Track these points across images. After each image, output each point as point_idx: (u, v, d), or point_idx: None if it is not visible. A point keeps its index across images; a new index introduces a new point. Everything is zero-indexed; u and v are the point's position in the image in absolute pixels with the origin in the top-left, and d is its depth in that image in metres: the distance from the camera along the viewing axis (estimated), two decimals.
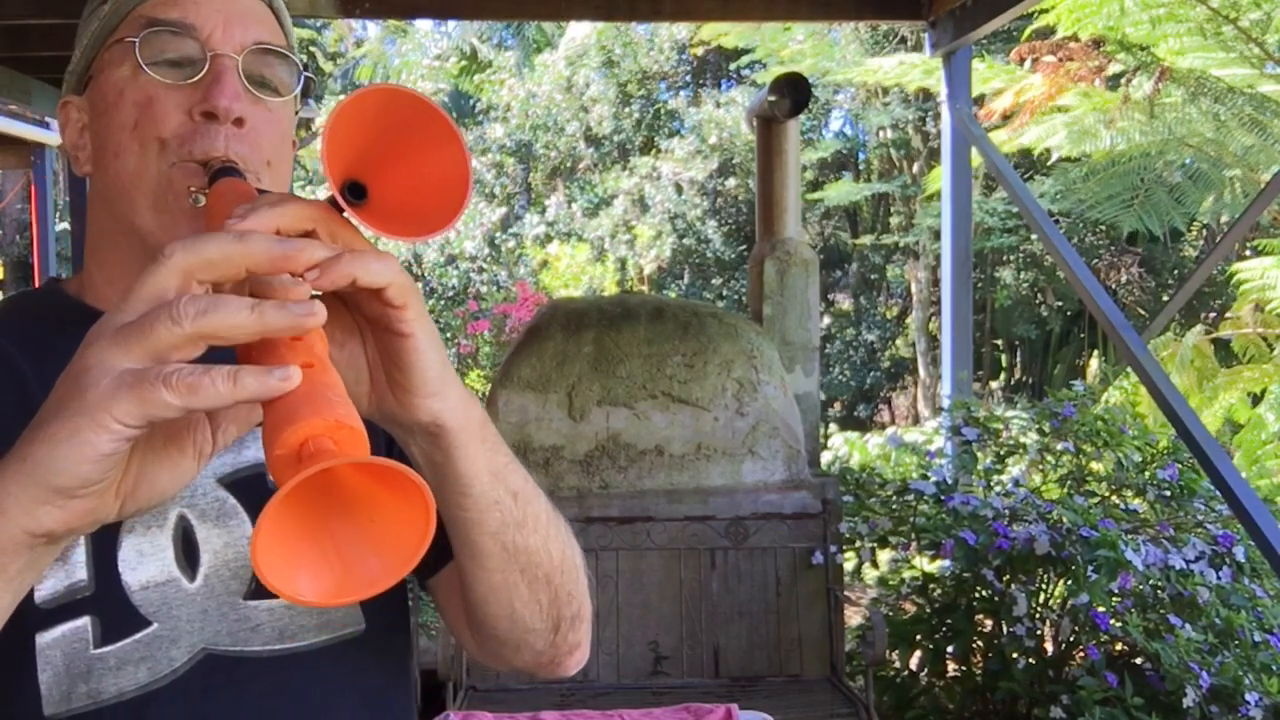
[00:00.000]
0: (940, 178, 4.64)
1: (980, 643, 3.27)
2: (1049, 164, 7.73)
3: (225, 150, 0.76)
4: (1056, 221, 7.67)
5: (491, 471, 0.70)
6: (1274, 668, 2.79)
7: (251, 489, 0.79)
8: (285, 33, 0.84)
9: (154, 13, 0.78)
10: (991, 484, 3.61)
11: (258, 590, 0.77)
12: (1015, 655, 3.00)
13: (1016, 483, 3.58)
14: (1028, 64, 7.27)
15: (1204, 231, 7.51)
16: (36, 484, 0.52)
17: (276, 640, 0.77)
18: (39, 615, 0.71)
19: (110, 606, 0.73)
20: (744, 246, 11.05)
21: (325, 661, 0.79)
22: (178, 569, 0.76)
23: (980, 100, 6.95)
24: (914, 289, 11.09)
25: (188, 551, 0.77)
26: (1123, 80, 6.82)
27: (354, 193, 0.61)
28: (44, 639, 0.71)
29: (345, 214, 0.59)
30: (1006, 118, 7.15)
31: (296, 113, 0.87)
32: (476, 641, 0.84)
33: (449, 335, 11.69)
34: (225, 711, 0.75)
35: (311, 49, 16.37)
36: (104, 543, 0.74)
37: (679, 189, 11.73)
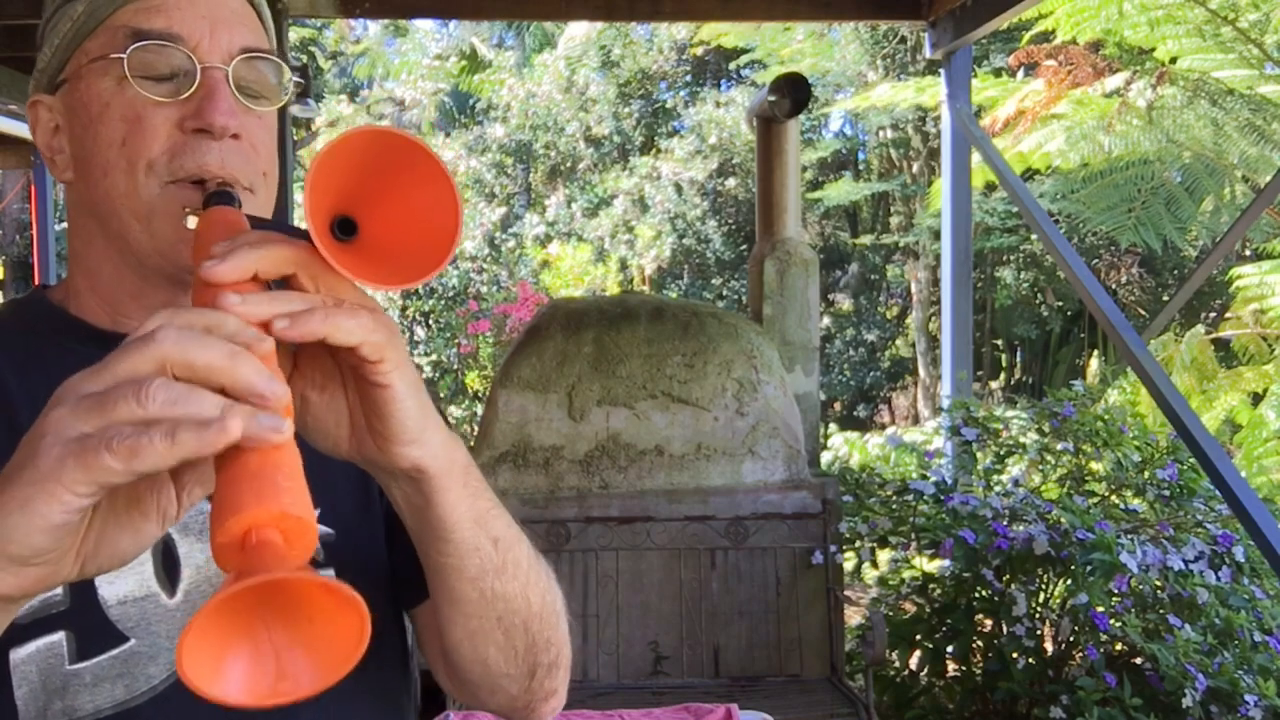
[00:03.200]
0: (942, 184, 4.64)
1: (980, 643, 3.27)
2: (1048, 169, 7.75)
3: (221, 165, 0.74)
4: (1056, 221, 7.66)
5: (473, 518, 0.70)
6: (1272, 669, 2.79)
7: None
8: (267, 30, 0.82)
9: (137, 22, 0.75)
10: (991, 484, 3.61)
11: None
12: (1015, 655, 3.00)
13: (1016, 483, 3.58)
14: (1021, 74, 7.29)
15: (1204, 232, 7.50)
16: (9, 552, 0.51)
17: None
18: (13, 630, 0.67)
19: (86, 622, 0.72)
20: (744, 246, 11.05)
21: None
22: (157, 584, 0.74)
23: (979, 112, 6.97)
24: (914, 289, 11.09)
25: (168, 566, 0.75)
26: (1122, 84, 6.83)
27: (345, 228, 0.60)
28: (18, 654, 0.70)
29: (328, 257, 0.57)
30: (1007, 124, 7.17)
31: (284, 108, 0.86)
32: (452, 682, 0.82)
33: (449, 335, 11.69)
34: None
35: (312, 49, 16.37)
36: None
37: (679, 189, 11.72)
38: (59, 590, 0.71)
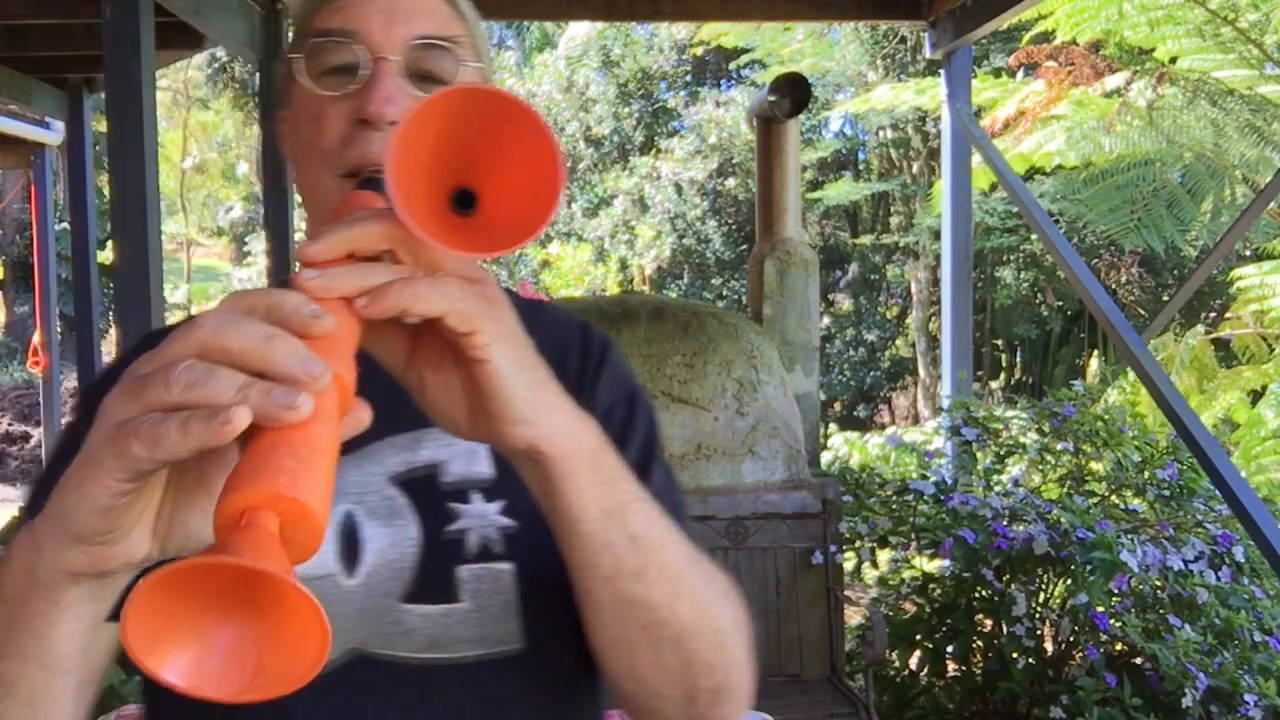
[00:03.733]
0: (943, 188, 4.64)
1: (980, 643, 3.27)
2: (1050, 170, 7.76)
3: (382, 154, 0.75)
4: (1056, 222, 7.67)
5: (603, 509, 0.64)
6: (1272, 669, 2.79)
7: (422, 489, 0.78)
8: (462, 16, 0.82)
9: (320, 23, 0.78)
10: (991, 484, 3.61)
11: (415, 594, 0.75)
12: (1015, 655, 3.00)
13: (1016, 483, 3.58)
14: (1021, 74, 7.30)
15: (1204, 233, 7.51)
16: (58, 529, 0.52)
17: (428, 649, 0.75)
18: None
19: None
20: (744, 246, 11.05)
21: (478, 677, 0.76)
22: (336, 565, 0.75)
23: (978, 113, 6.98)
24: (914, 289, 11.09)
25: (350, 548, 0.76)
26: (1122, 85, 6.83)
27: (464, 201, 0.58)
28: None
29: (412, 227, 0.54)
30: (1007, 125, 7.18)
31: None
32: (614, 697, 0.77)
33: None
34: (371, 712, 0.74)
35: None
36: None
37: (679, 189, 11.73)
38: None
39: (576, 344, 0.86)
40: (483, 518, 0.77)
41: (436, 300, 0.55)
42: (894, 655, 3.47)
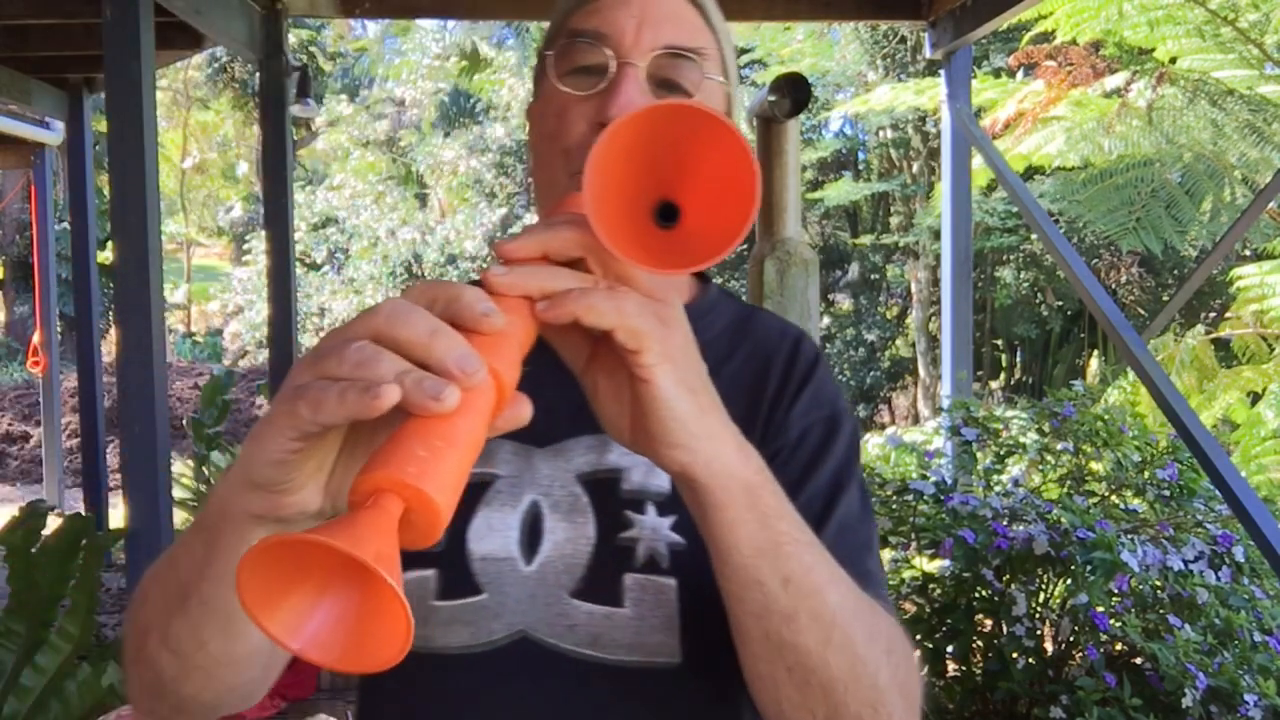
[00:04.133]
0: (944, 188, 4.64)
1: (980, 643, 3.27)
2: (1049, 170, 7.76)
3: None
4: (1056, 222, 7.67)
5: (756, 547, 0.64)
6: (1272, 669, 2.79)
7: (604, 490, 0.80)
8: (712, 28, 0.83)
9: (576, 24, 0.81)
10: (991, 484, 3.61)
11: (584, 591, 0.78)
12: (1015, 655, 3.00)
13: (1016, 483, 3.58)
14: (1021, 74, 7.30)
15: (1203, 234, 7.51)
16: (242, 473, 0.57)
17: (588, 645, 0.77)
18: (405, 557, 0.72)
19: (452, 567, 0.79)
20: (744, 246, 11.05)
21: (631, 682, 0.77)
22: (518, 550, 0.79)
23: (978, 114, 6.99)
24: (914, 289, 11.09)
25: (532, 536, 0.79)
26: (1122, 85, 6.83)
27: (668, 214, 0.59)
28: (405, 578, 0.73)
29: (602, 239, 0.56)
30: (1007, 126, 7.18)
31: (738, 116, 0.87)
32: None
33: None
34: (529, 693, 0.77)
35: (312, 49, 16.37)
36: (462, 508, 0.76)
37: None
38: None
39: (783, 358, 0.87)
40: (654, 530, 0.79)
41: (608, 314, 0.57)
42: None
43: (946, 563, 3.27)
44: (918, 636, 3.34)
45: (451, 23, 17.43)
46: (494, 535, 0.79)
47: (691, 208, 0.58)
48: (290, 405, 0.52)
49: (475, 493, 0.80)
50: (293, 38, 8.08)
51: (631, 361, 0.58)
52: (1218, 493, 3.17)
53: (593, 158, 0.56)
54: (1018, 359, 12.84)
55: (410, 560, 0.70)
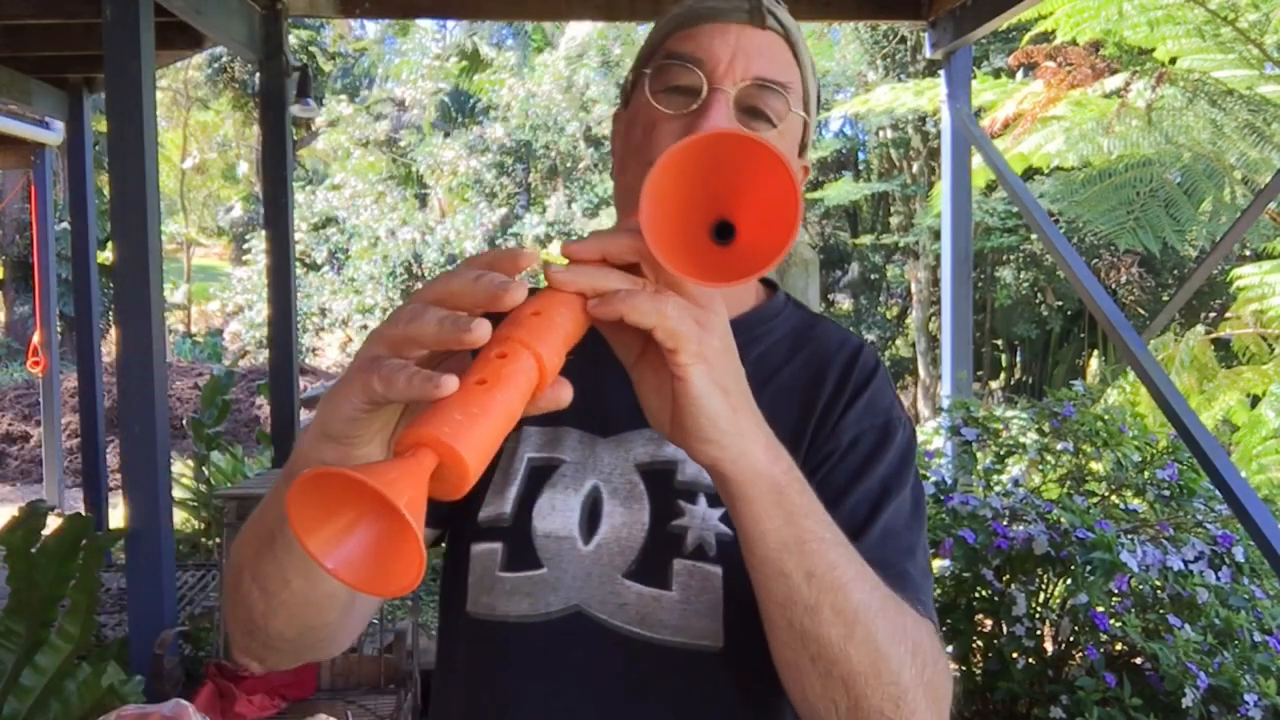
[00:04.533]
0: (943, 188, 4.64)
1: (980, 643, 3.27)
2: (1049, 170, 7.76)
3: None
4: (1056, 222, 7.67)
5: (782, 540, 0.69)
6: (1272, 669, 2.79)
7: (660, 480, 0.86)
8: (800, 64, 0.89)
9: (673, 46, 0.86)
10: (991, 484, 3.61)
11: (635, 572, 0.84)
12: (1015, 655, 3.00)
13: (1016, 483, 3.58)
14: (1020, 74, 7.29)
15: (1203, 234, 7.51)
16: (319, 426, 0.64)
17: (637, 624, 0.83)
18: (476, 530, 0.87)
19: (517, 540, 0.86)
20: None
21: (675, 662, 0.83)
22: (578, 530, 0.86)
23: (977, 114, 6.99)
24: (914, 289, 11.09)
25: (591, 518, 0.86)
26: (1121, 85, 6.83)
27: (723, 232, 0.65)
28: (475, 549, 0.87)
29: (654, 249, 0.62)
30: (1006, 126, 7.18)
31: (804, 149, 0.92)
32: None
33: None
34: (578, 663, 0.83)
35: (312, 49, 16.37)
36: (530, 488, 0.87)
37: None
38: (508, 510, 0.87)
39: (840, 366, 0.91)
40: (704, 520, 0.85)
41: (650, 314, 0.63)
42: None
43: (946, 563, 3.26)
44: None
45: (451, 23, 17.43)
46: (556, 515, 0.86)
47: (745, 227, 0.64)
48: (365, 376, 0.59)
49: (542, 475, 0.88)
50: (293, 38, 8.09)
51: (669, 360, 0.64)
52: (1218, 493, 3.17)
53: (648, 182, 0.62)
54: (1018, 359, 12.84)
55: (481, 534, 0.87)
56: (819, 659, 0.71)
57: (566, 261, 0.65)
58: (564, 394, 0.62)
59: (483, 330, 0.57)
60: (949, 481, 3.53)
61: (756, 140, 0.62)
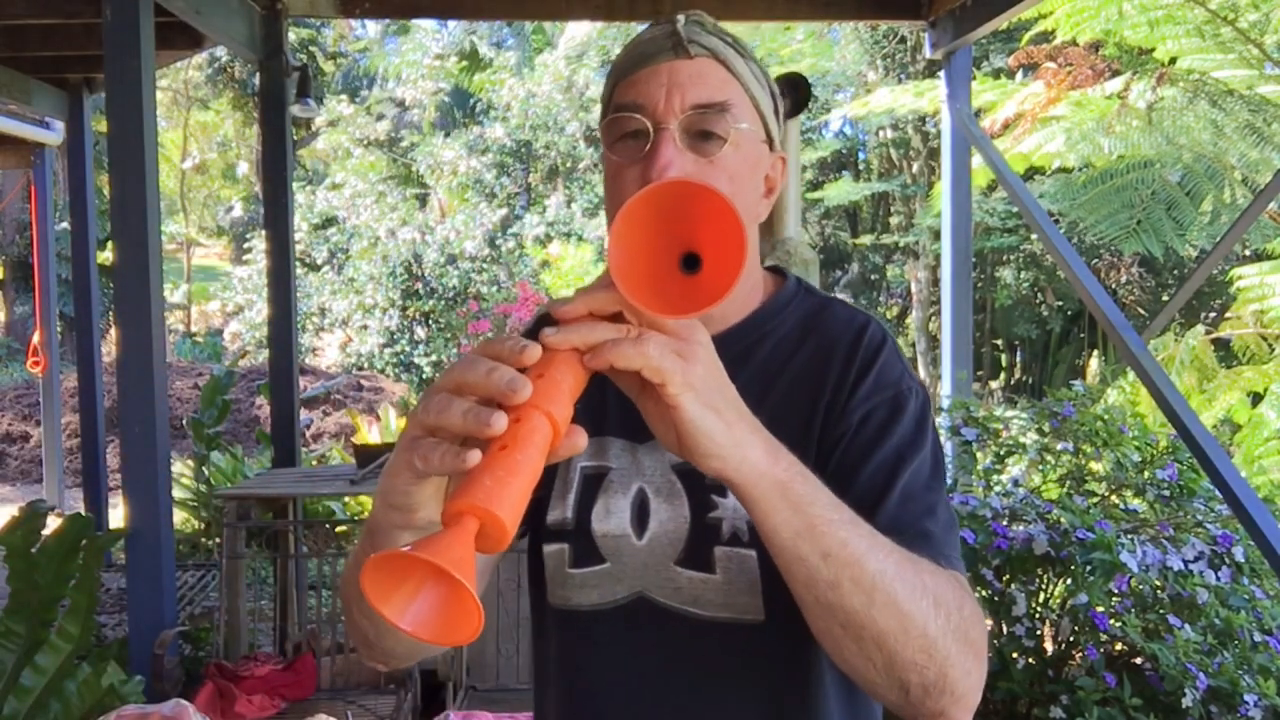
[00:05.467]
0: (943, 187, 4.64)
1: None
2: (1049, 171, 7.76)
3: None
4: (1056, 221, 7.67)
5: (794, 530, 0.77)
6: (1272, 669, 2.79)
7: (694, 478, 0.95)
8: (737, 75, 0.95)
9: (620, 97, 0.94)
10: (991, 484, 3.61)
11: (684, 560, 0.95)
12: (1015, 655, 3.00)
13: (1016, 483, 3.58)
14: (1021, 75, 7.29)
15: (1203, 236, 7.51)
16: (381, 496, 0.76)
17: (691, 604, 0.95)
18: (546, 532, 1.00)
19: (581, 541, 0.98)
20: None
21: (726, 634, 0.94)
22: (630, 527, 0.97)
23: (977, 114, 6.99)
24: (914, 289, 11.09)
25: (641, 516, 0.97)
26: (1121, 86, 6.83)
27: (691, 263, 0.73)
28: (547, 550, 1.00)
29: (625, 295, 0.71)
30: (1006, 126, 7.18)
31: (772, 144, 0.99)
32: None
33: (450, 335, 11.63)
34: (648, 640, 0.96)
35: (312, 49, 16.37)
36: (585, 496, 0.99)
37: None
38: (570, 515, 0.99)
39: (845, 347, 0.97)
40: (735, 511, 0.94)
41: (635, 358, 0.70)
42: None
43: None
44: None
45: (451, 23, 17.42)
46: (611, 517, 0.97)
47: (708, 257, 0.72)
48: (408, 455, 0.70)
49: (595, 482, 0.99)
50: (293, 37, 8.08)
51: (661, 393, 0.72)
52: (1218, 493, 3.17)
53: (611, 241, 0.72)
54: (1018, 359, 12.83)
55: (550, 535, 1.01)
56: (849, 626, 0.79)
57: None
58: (579, 441, 0.70)
59: (501, 423, 0.66)
60: (949, 481, 3.53)
61: (689, 182, 0.71)
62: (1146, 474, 3.45)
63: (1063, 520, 3.05)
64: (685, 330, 0.73)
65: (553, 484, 1.01)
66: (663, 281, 0.72)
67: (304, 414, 9.64)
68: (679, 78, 0.92)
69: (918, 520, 0.88)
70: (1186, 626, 2.84)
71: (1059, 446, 3.57)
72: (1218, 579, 3.01)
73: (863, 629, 0.79)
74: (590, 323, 0.72)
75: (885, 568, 0.79)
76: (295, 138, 8.30)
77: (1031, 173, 7.90)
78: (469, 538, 0.62)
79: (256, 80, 6.30)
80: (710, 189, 0.70)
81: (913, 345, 11.12)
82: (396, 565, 0.62)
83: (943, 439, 4.08)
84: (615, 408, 0.78)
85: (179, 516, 6.03)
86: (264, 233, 5.05)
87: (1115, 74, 7.12)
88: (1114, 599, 2.95)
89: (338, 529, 5.10)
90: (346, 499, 5.24)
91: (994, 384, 12.07)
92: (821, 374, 0.96)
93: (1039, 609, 3.15)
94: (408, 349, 11.98)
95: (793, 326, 1.00)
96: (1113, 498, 3.53)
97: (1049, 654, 3.13)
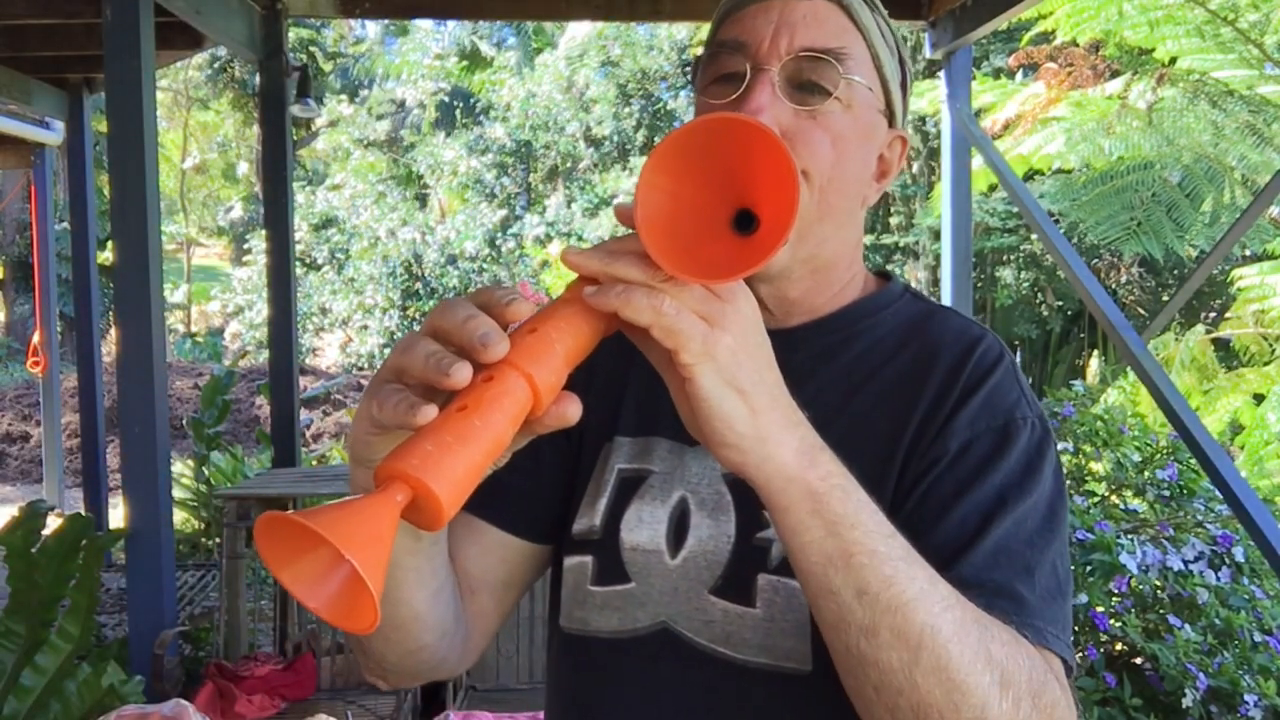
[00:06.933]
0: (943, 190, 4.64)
1: None
2: (1049, 172, 7.76)
3: None
4: (1056, 222, 7.67)
5: (824, 553, 0.63)
6: (1272, 669, 2.79)
7: (745, 490, 0.75)
8: (859, 27, 0.81)
9: (723, 33, 0.82)
10: None
11: (721, 588, 0.79)
12: None
13: None
14: (1021, 75, 7.30)
15: (1201, 235, 7.52)
16: (350, 452, 0.66)
17: (722, 642, 0.79)
18: (570, 543, 0.85)
19: (606, 555, 0.83)
20: None
21: (760, 683, 0.77)
22: (665, 543, 0.82)
23: (977, 114, 6.99)
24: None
25: (679, 530, 0.82)
26: (1121, 87, 6.83)
27: (743, 223, 0.61)
28: (568, 561, 0.85)
29: (650, 249, 0.59)
30: (1006, 127, 7.18)
31: (893, 118, 0.85)
32: None
33: None
34: (667, 684, 0.80)
35: (312, 49, 16.37)
36: (618, 501, 0.84)
37: None
38: (598, 523, 0.84)
39: (952, 359, 0.81)
40: None
41: (644, 311, 0.58)
42: None
43: None
44: None
45: (451, 22, 17.43)
46: (644, 527, 0.82)
47: (763, 214, 0.60)
48: (366, 403, 0.61)
49: (631, 486, 0.84)
50: (293, 37, 8.09)
51: (672, 358, 0.60)
52: (1218, 493, 3.17)
53: (639, 184, 0.60)
54: (1018, 359, 12.84)
55: (574, 546, 0.85)
56: (883, 689, 0.64)
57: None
58: (570, 410, 0.59)
59: (462, 374, 0.56)
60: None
61: (734, 118, 0.59)
62: (1146, 474, 3.45)
63: None
64: (726, 292, 0.61)
65: (585, 487, 0.86)
66: (704, 240, 0.60)
67: (304, 414, 9.64)
68: (791, 16, 0.79)
69: (1010, 579, 0.71)
70: (1186, 627, 2.84)
71: (1059, 446, 3.57)
72: (1218, 579, 3.01)
73: (900, 695, 0.63)
74: (619, 253, 0.60)
75: (939, 624, 0.63)
76: (295, 138, 8.30)
77: (1032, 173, 7.90)
78: (392, 509, 0.52)
79: (256, 80, 6.30)
80: (756, 124, 0.58)
81: None
82: (292, 530, 0.51)
83: None
84: (669, 403, 0.63)
85: (179, 516, 6.03)
86: (264, 233, 5.05)
87: (1115, 74, 7.12)
88: (1114, 599, 2.95)
89: None
90: None
91: None
92: (919, 386, 0.80)
93: None
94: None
95: (892, 329, 0.85)
96: (1113, 498, 3.53)
97: None
